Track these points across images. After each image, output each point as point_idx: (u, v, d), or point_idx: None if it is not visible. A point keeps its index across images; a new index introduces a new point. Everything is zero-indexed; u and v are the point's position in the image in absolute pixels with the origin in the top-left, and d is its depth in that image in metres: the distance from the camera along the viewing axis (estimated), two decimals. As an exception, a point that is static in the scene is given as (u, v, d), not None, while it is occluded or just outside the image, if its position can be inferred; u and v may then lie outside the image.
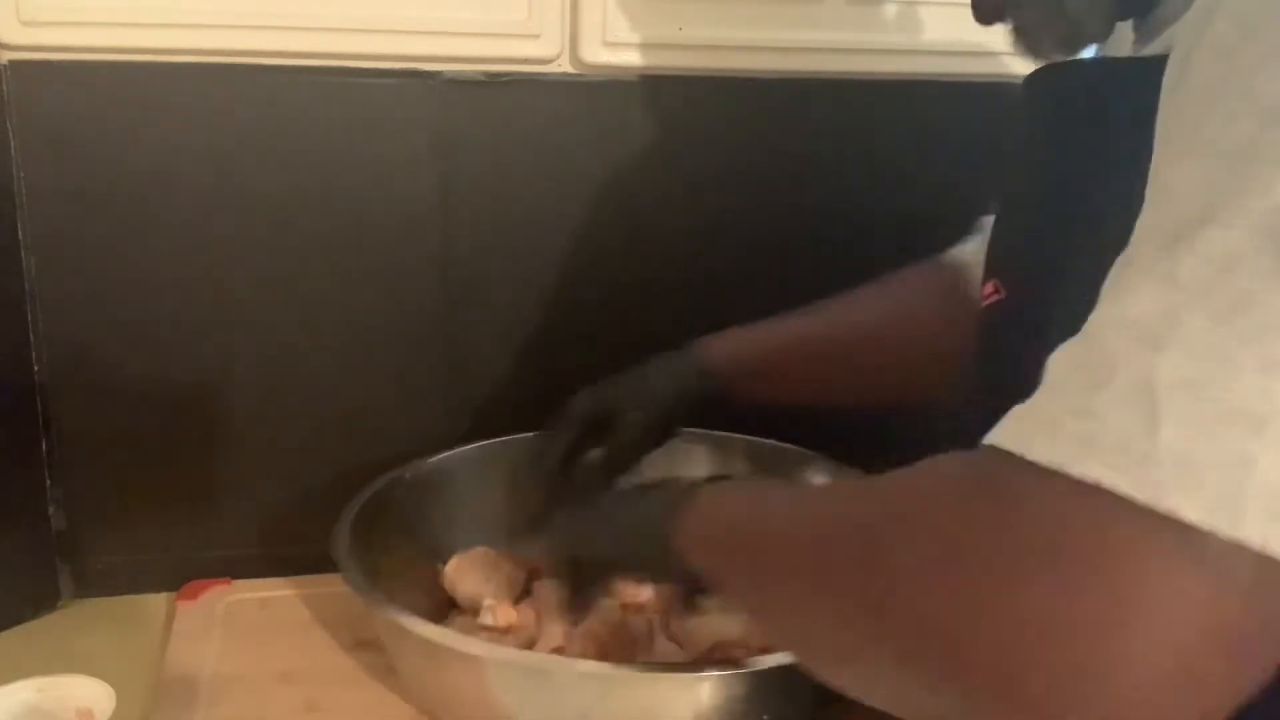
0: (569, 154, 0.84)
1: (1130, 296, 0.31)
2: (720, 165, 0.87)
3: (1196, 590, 0.29)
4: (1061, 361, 0.33)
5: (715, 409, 0.74)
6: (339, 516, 0.71)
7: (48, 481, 0.80)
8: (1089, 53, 0.55)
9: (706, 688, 0.57)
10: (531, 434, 0.84)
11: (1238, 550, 0.28)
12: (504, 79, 0.81)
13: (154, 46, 0.75)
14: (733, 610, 0.60)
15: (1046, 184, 0.51)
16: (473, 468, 0.82)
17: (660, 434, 0.74)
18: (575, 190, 0.85)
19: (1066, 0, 0.50)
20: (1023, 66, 0.60)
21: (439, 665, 0.62)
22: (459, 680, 0.61)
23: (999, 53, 0.89)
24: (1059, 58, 0.54)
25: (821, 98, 0.87)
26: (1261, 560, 0.28)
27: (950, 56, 0.88)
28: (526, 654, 0.59)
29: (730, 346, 0.74)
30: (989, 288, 0.53)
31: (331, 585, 0.79)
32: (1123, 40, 0.52)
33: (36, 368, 0.78)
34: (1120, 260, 0.33)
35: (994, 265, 0.54)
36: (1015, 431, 0.32)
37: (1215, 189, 0.30)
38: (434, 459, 0.81)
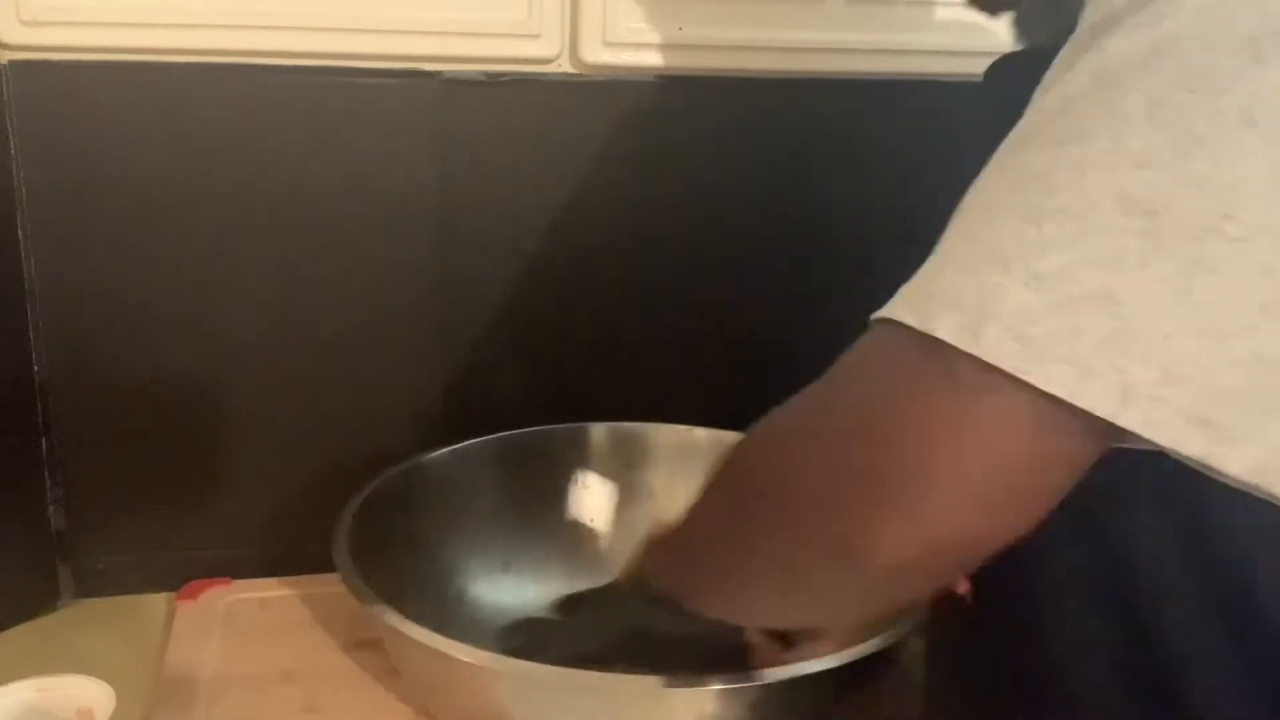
0: (569, 154, 0.84)
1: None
2: (720, 165, 0.87)
3: (951, 403, 0.34)
4: None
5: None
6: (339, 516, 0.71)
7: (48, 481, 0.80)
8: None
9: (711, 699, 0.56)
10: (539, 429, 0.84)
11: (984, 370, 0.33)
12: (504, 79, 0.81)
13: (154, 46, 0.75)
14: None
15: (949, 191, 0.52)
16: (475, 464, 0.82)
17: None
18: (575, 190, 0.85)
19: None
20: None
21: (440, 672, 0.61)
22: (460, 687, 0.61)
23: (1000, 53, 0.89)
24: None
25: (821, 98, 0.87)
26: (999, 379, 0.33)
27: (951, 56, 0.88)
28: (527, 664, 0.59)
29: None
30: None
31: (331, 585, 0.79)
32: None
33: (36, 368, 0.78)
34: None
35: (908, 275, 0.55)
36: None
37: (1042, 87, 0.36)
38: (434, 454, 0.80)
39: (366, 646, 0.74)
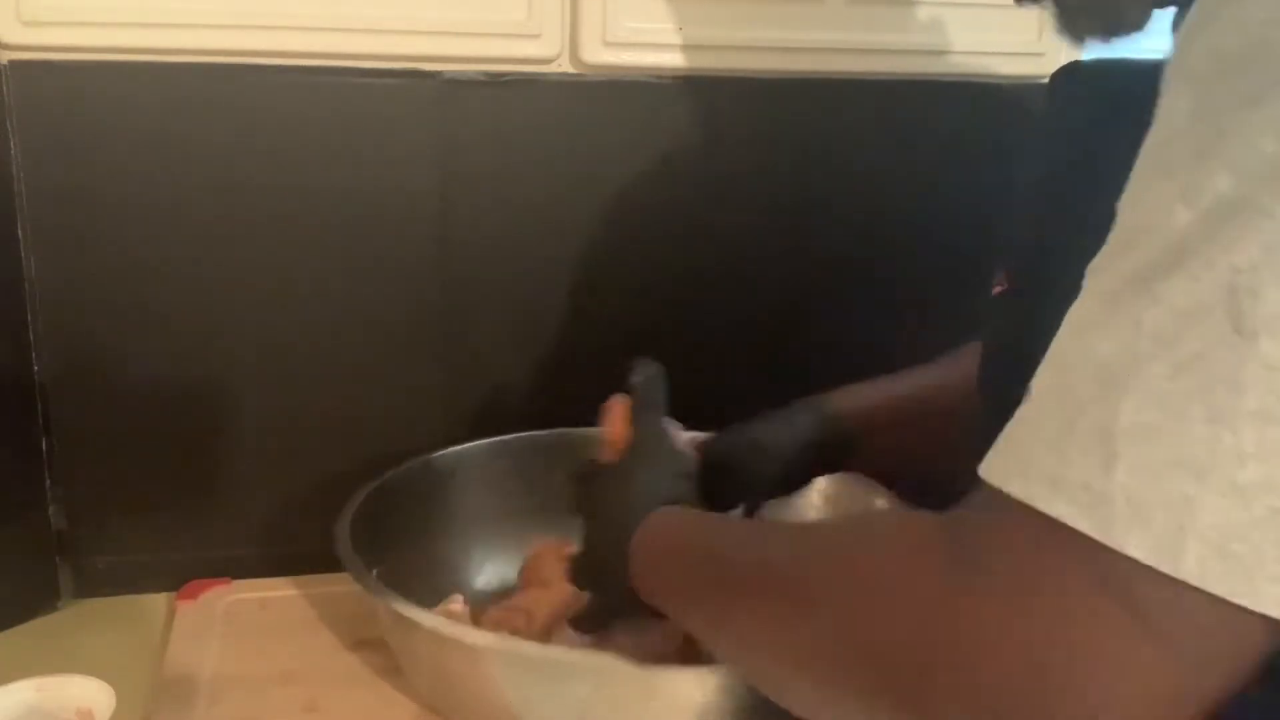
0: (569, 154, 0.84)
1: (1099, 334, 0.33)
2: (720, 165, 0.87)
3: (1143, 644, 0.31)
4: (1038, 392, 0.35)
5: (841, 459, 0.72)
6: (341, 512, 0.71)
7: (48, 481, 0.80)
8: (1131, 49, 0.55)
9: (708, 683, 0.57)
10: (540, 431, 0.84)
11: (1179, 593, 0.30)
12: (504, 79, 0.81)
13: (154, 46, 0.75)
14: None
15: (1059, 179, 0.51)
16: (480, 462, 0.82)
17: (786, 482, 0.72)
18: (575, 190, 0.85)
19: None
20: (1023, 67, 0.59)
21: (441, 656, 0.62)
22: (460, 671, 0.61)
23: (999, 53, 0.89)
24: (1097, 41, 0.54)
25: (822, 98, 0.87)
26: (1200, 601, 0.30)
27: (951, 57, 0.88)
28: (527, 644, 0.59)
29: (860, 397, 0.72)
30: (1000, 279, 0.53)
31: (331, 585, 0.80)
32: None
33: (36, 368, 0.78)
34: (1090, 272, 0.34)
35: (1004, 256, 0.55)
36: (999, 466, 0.35)
37: (1188, 237, 0.31)
38: (440, 454, 0.81)
39: (367, 646, 0.74)
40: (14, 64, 0.73)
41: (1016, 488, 0.33)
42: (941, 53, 0.88)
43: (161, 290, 0.79)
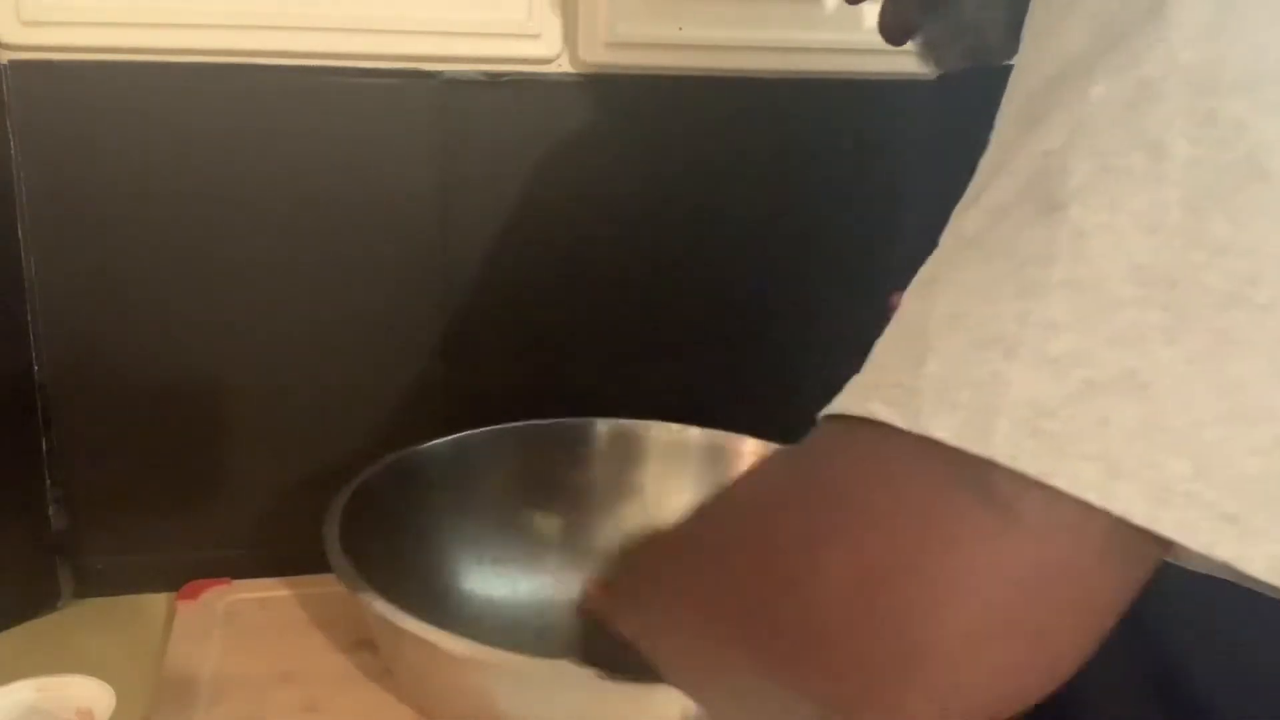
0: (569, 154, 0.84)
1: (929, 259, 0.33)
2: (720, 165, 0.87)
3: (979, 525, 0.28)
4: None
5: None
6: (328, 512, 0.70)
7: (48, 481, 0.80)
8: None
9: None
10: (525, 423, 0.84)
11: (990, 472, 0.28)
12: (504, 79, 0.81)
13: (154, 46, 0.75)
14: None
15: (948, 192, 0.50)
16: (466, 456, 0.82)
17: None
18: (575, 190, 0.85)
19: (968, 15, 0.50)
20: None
21: (429, 662, 0.62)
22: (446, 677, 0.61)
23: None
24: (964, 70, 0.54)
25: (822, 98, 0.87)
26: (1015, 481, 0.28)
27: (950, 56, 0.88)
28: (516, 656, 0.59)
29: None
30: (894, 299, 0.53)
31: (332, 585, 0.79)
32: None
33: (36, 368, 0.78)
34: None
35: (896, 275, 0.54)
36: (835, 400, 0.33)
37: (1006, 144, 0.31)
38: (427, 446, 0.80)
39: (366, 647, 0.74)
40: (14, 64, 0.73)
41: (835, 406, 0.32)
42: (942, 53, 0.88)
43: (161, 290, 0.79)
